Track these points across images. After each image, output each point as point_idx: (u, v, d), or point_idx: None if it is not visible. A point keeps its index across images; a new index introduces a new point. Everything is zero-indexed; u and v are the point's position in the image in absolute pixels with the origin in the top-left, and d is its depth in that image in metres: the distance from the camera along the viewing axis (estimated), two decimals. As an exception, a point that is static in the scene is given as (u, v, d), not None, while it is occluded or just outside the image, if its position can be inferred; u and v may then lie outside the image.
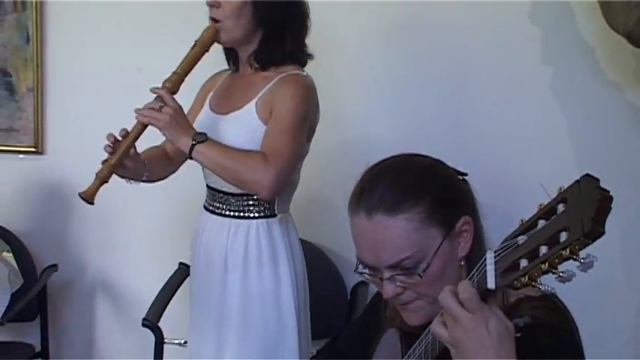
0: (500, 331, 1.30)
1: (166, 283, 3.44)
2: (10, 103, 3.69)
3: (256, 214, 2.59)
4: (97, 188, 2.52)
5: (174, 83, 2.50)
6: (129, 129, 2.49)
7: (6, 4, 3.63)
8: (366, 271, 1.63)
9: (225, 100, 2.62)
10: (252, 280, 2.59)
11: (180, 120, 2.45)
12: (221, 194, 2.61)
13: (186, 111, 2.56)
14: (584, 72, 3.21)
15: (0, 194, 3.62)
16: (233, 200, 2.60)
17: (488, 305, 1.32)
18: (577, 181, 1.15)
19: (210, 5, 2.50)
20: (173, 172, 2.79)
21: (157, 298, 3.33)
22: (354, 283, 3.45)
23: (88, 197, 2.51)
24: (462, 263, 1.59)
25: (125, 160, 2.50)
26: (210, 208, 2.66)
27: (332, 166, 3.39)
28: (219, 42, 2.55)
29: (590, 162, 3.19)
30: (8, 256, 3.33)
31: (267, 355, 2.58)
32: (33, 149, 3.72)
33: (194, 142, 2.42)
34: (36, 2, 3.59)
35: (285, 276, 2.60)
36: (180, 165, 2.76)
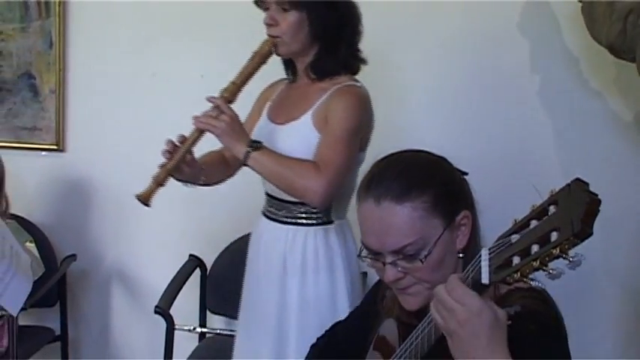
0: (492, 321, 1.31)
1: (177, 274, 3.44)
2: (34, 104, 3.69)
3: (313, 222, 2.52)
4: (154, 191, 2.48)
5: (232, 93, 2.43)
6: (186, 135, 2.43)
7: (31, 12, 3.62)
8: (370, 255, 1.63)
9: (283, 110, 2.55)
10: (309, 286, 2.51)
11: (236, 128, 2.38)
12: (278, 201, 2.54)
13: (243, 119, 2.51)
14: (569, 80, 3.21)
15: (23, 189, 3.61)
16: (291, 208, 2.52)
17: (483, 296, 1.32)
18: (568, 184, 1.16)
19: (268, 25, 2.42)
20: (230, 176, 2.71)
21: (168, 287, 3.34)
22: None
23: (145, 199, 2.48)
24: (460, 255, 1.59)
25: (182, 165, 2.45)
26: (269, 214, 2.58)
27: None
28: (277, 54, 2.48)
29: (574, 164, 3.20)
30: (31, 246, 3.33)
31: None
32: (54, 147, 3.72)
33: (249, 150, 2.36)
34: (59, 10, 3.59)
35: (341, 284, 2.52)
36: (237, 170, 2.67)
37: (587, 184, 1.14)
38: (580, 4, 2.83)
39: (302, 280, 2.51)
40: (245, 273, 2.71)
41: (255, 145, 2.37)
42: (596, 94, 3.21)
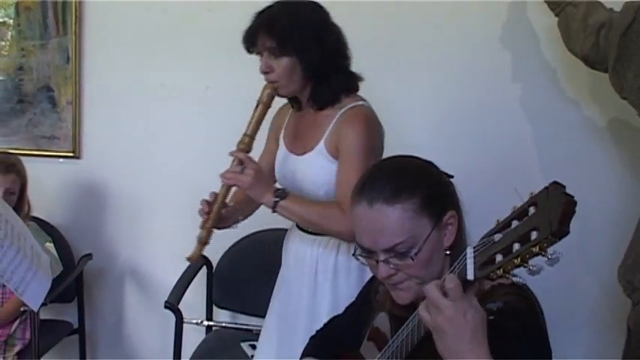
0: (476, 320, 1.32)
1: (185, 271, 3.43)
2: (52, 115, 3.68)
3: None
4: (201, 251, 2.49)
5: (247, 145, 2.40)
6: (216, 191, 2.42)
7: (50, 30, 3.62)
8: (364, 254, 1.64)
9: (299, 140, 2.49)
10: (342, 287, 2.46)
11: (261, 179, 2.35)
12: None
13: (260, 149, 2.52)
14: (548, 89, 3.21)
15: (43, 193, 3.61)
16: None
17: (468, 297, 1.32)
18: (546, 187, 1.16)
19: (264, 72, 2.39)
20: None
21: (177, 283, 3.33)
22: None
23: (195, 260, 2.52)
24: (447, 253, 1.59)
25: (219, 223, 2.47)
26: (300, 227, 2.53)
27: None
28: (279, 96, 2.45)
29: (553, 167, 3.20)
30: (50, 246, 3.32)
31: None
32: (71, 154, 3.71)
33: (277, 200, 2.33)
34: (75, 28, 3.58)
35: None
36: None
37: (563, 186, 1.14)
38: (557, 19, 2.83)
39: (334, 282, 2.46)
40: (277, 278, 2.67)
41: (282, 195, 2.34)
42: (572, 102, 3.21)
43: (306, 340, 2.29)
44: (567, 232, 1.11)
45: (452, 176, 1.69)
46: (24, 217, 3.12)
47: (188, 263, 3.46)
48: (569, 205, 1.11)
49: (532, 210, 1.17)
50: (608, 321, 3.23)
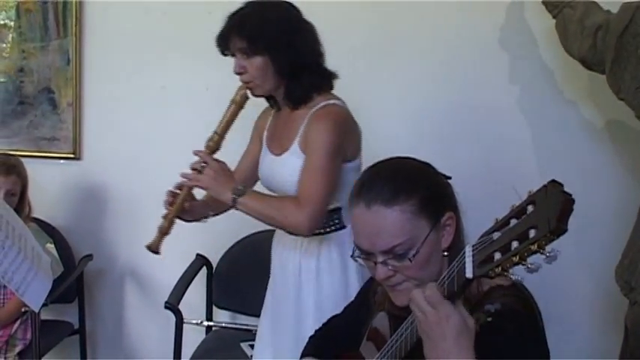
0: (460, 325, 1.33)
1: (185, 272, 3.44)
2: (53, 116, 3.68)
3: (327, 229, 2.47)
4: (160, 240, 2.55)
5: (216, 143, 2.45)
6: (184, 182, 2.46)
7: (50, 32, 3.62)
8: (362, 255, 1.64)
9: (276, 140, 2.52)
10: (325, 287, 2.47)
11: (221, 177, 2.37)
12: None
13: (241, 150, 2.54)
14: (545, 91, 3.21)
15: (44, 194, 3.61)
16: None
17: (455, 304, 1.35)
18: (544, 185, 1.16)
19: (238, 73, 2.41)
20: None
21: (177, 284, 3.33)
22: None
23: (154, 248, 2.55)
24: (445, 254, 1.59)
25: (182, 215, 2.51)
26: None
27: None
28: (254, 96, 2.47)
29: (550, 168, 3.21)
30: (51, 247, 3.32)
31: None
32: (72, 155, 3.71)
33: (234, 197, 2.34)
34: (75, 30, 3.59)
35: (354, 282, 2.45)
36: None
37: (561, 185, 1.15)
38: (554, 21, 2.83)
39: (317, 284, 2.48)
40: (269, 280, 2.69)
41: (240, 191, 2.35)
42: (570, 103, 3.21)
43: (295, 341, 2.35)
44: (565, 230, 1.12)
45: (449, 177, 1.68)
46: (25, 219, 3.12)
47: (187, 264, 3.50)
48: (567, 203, 1.11)
49: (530, 208, 1.17)
50: (605, 321, 3.23)
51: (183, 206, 2.49)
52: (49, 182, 3.71)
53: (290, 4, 2.45)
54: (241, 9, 2.40)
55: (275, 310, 2.61)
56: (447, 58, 3.28)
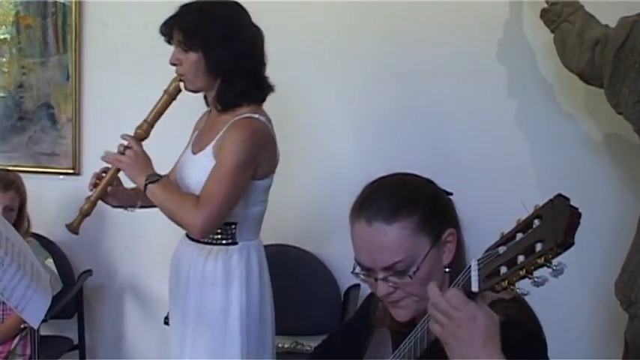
0: (487, 322, 1.31)
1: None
2: (52, 131, 3.68)
3: (218, 242, 2.48)
4: (81, 221, 2.58)
5: (145, 131, 2.50)
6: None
7: (50, 48, 3.62)
8: (363, 272, 1.62)
9: (199, 139, 2.54)
10: (206, 298, 2.49)
11: (140, 162, 2.42)
12: None
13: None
14: (544, 104, 3.23)
15: (43, 209, 3.59)
16: None
17: (476, 302, 1.32)
18: (551, 199, 1.16)
19: (173, 64, 2.43)
20: None
21: (177, 299, 3.31)
22: (347, 286, 3.42)
23: (73, 229, 2.58)
24: (447, 270, 1.58)
25: (105, 198, 2.54)
26: (187, 234, 2.56)
27: (327, 186, 3.39)
28: (187, 90, 2.48)
29: (548, 182, 3.21)
30: (50, 262, 3.31)
31: None
32: (71, 171, 3.71)
33: (147, 182, 2.38)
34: (75, 46, 3.59)
35: (236, 299, 2.46)
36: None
37: (568, 199, 1.15)
38: (552, 35, 2.84)
39: (200, 293, 2.50)
40: None
41: (152, 179, 2.39)
42: (568, 117, 3.23)
43: (180, 347, 2.49)
44: (572, 244, 1.12)
45: (451, 194, 1.67)
46: (24, 234, 3.11)
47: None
48: (573, 217, 1.12)
49: (537, 222, 1.17)
50: (605, 334, 3.22)
51: (106, 189, 2.52)
52: (48, 198, 3.69)
53: (240, 6, 2.44)
54: (190, 2, 2.41)
55: (171, 311, 2.66)
56: (445, 71, 3.29)
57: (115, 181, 2.55)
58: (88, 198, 2.54)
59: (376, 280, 1.57)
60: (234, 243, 2.48)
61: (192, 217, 2.33)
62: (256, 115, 2.40)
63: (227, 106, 2.43)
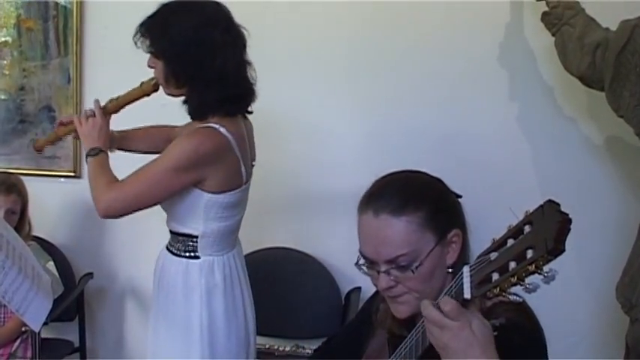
0: (483, 330, 1.32)
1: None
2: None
3: (181, 253, 2.47)
4: (45, 143, 2.81)
5: (114, 106, 2.58)
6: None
7: (51, 51, 3.64)
8: (366, 264, 1.63)
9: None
10: (162, 308, 2.50)
11: (95, 132, 2.48)
12: (169, 229, 2.54)
13: None
14: (545, 108, 3.22)
15: (44, 212, 3.61)
16: (171, 237, 2.52)
17: (469, 310, 1.32)
18: (541, 205, 1.16)
19: (149, 67, 2.43)
20: (156, 152, 2.51)
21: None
22: (348, 289, 3.43)
23: (38, 147, 2.82)
24: (450, 270, 1.59)
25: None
26: (167, 245, 2.57)
27: (328, 188, 3.40)
28: (165, 93, 2.47)
29: (550, 185, 3.21)
30: (51, 265, 3.33)
31: None
32: (72, 174, 3.73)
33: (88, 152, 2.44)
34: (76, 49, 3.61)
35: (196, 312, 2.43)
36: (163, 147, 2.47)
37: (558, 204, 1.14)
38: (553, 39, 2.84)
39: (159, 302, 2.52)
40: None
41: (95, 152, 2.44)
42: (569, 120, 3.22)
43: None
44: (563, 250, 1.11)
45: (460, 196, 1.69)
46: (25, 237, 3.12)
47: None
48: (564, 223, 1.11)
49: (527, 228, 1.17)
50: (606, 337, 3.22)
51: (64, 135, 2.69)
52: (49, 201, 3.71)
53: (217, 11, 2.37)
54: (161, 8, 2.38)
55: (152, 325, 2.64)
56: (446, 74, 3.29)
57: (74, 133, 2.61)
58: (55, 132, 2.74)
59: (378, 272, 1.59)
60: (196, 257, 2.45)
61: (100, 194, 2.34)
62: (217, 126, 2.32)
63: (192, 115, 2.40)
